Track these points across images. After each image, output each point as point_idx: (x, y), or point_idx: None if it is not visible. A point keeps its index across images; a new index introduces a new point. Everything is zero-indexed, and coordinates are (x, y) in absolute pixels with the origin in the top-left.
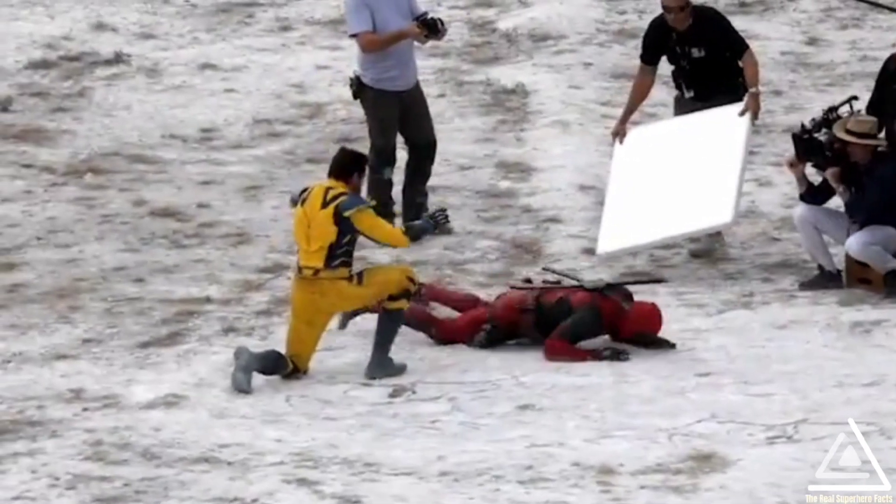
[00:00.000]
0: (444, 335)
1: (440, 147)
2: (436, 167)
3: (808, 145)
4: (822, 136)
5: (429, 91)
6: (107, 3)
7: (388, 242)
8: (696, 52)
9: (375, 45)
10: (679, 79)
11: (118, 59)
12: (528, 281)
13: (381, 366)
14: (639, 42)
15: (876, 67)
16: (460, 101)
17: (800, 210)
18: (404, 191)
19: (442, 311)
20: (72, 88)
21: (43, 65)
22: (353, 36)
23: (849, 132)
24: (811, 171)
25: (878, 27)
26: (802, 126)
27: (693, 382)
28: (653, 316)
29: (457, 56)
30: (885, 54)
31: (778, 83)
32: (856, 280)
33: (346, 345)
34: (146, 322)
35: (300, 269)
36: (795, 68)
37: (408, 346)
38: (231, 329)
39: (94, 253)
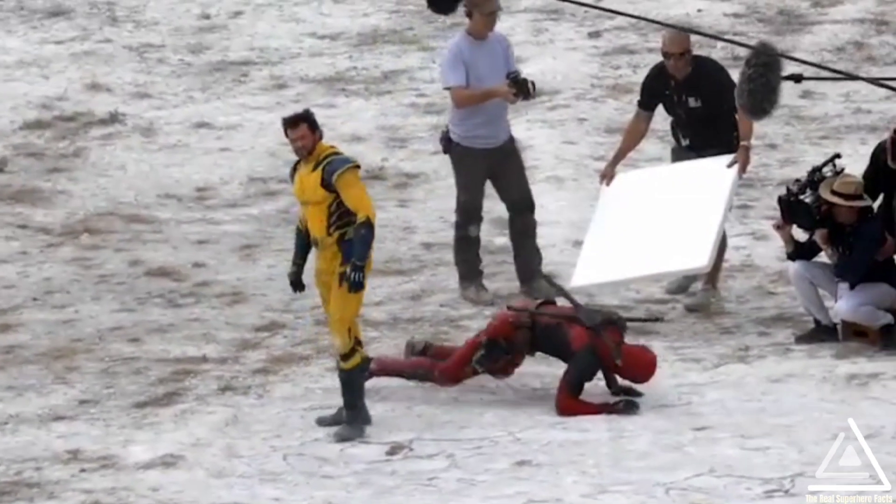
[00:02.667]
0: (447, 375)
1: (434, 204)
2: (429, 224)
3: (794, 208)
4: (807, 198)
5: (423, 148)
6: (101, 63)
7: (356, 207)
8: (692, 102)
9: (467, 100)
10: (675, 128)
11: (113, 118)
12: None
13: (349, 424)
14: (633, 97)
15: (869, 120)
16: None
17: (794, 265)
18: (516, 257)
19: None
20: (67, 149)
21: (38, 125)
22: (447, 89)
23: (835, 193)
24: (797, 231)
25: None
26: (788, 189)
27: (690, 437)
28: (646, 363)
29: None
30: (878, 107)
31: (772, 136)
32: (851, 333)
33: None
34: (143, 382)
35: (313, 242)
36: (790, 121)
37: (406, 401)
38: (228, 388)
39: (91, 313)
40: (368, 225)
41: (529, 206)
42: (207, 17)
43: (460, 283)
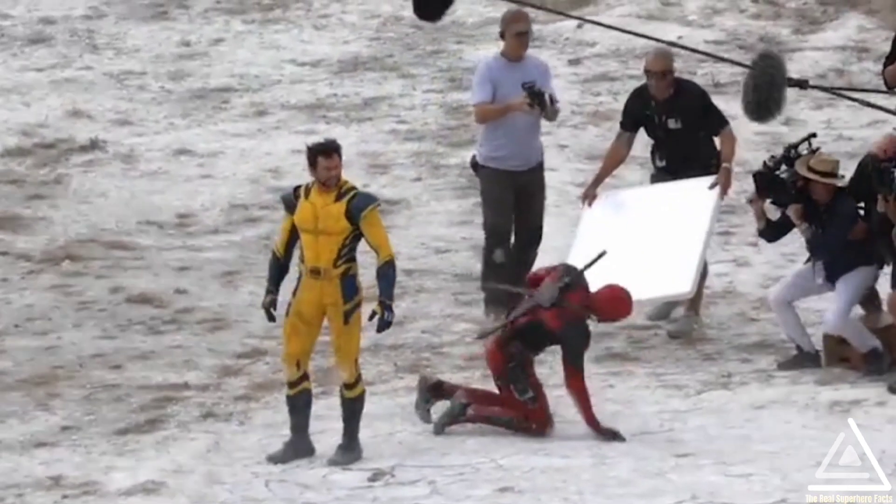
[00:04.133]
0: (541, 422)
1: (416, 231)
2: (411, 250)
3: (770, 183)
4: (783, 174)
5: (405, 174)
6: (82, 91)
7: (379, 246)
8: (672, 123)
9: (483, 115)
10: (654, 151)
11: (94, 145)
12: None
13: (349, 450)
14: (614, 124)
15: (850, 147)
16: (436, 184)
17: (774, 292)
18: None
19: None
20: (48, 175)
21: (19, 152)
22: (474, 106)
23: (811, 170)
24: (770, 208)
25: (853, 106)
26: (764, 164)
27: (672, 463)
28: (617, 298)
29: (432, 139)
30: (860, 133)
31: (753, 163)
32: (835, 359)
33: (325, 429)
34: (124, 409)
35: (309, 272)
36: (770, 148)
37: (388, 427)
38: (209, 415)
39: (72, 340)
40: (393, 265)
41: (537, 239)
42: (188, 44)
43: (484, 308)
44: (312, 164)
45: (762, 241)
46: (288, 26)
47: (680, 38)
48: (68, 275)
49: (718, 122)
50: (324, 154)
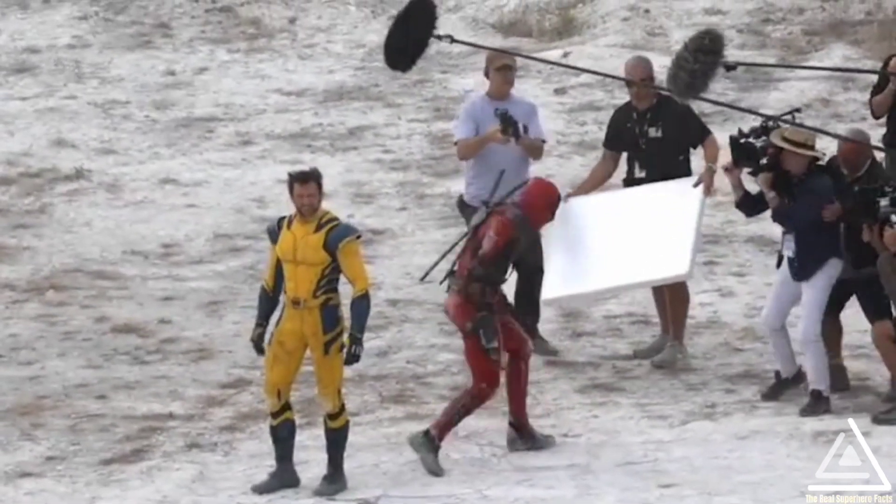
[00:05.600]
0: (486, 382)
1: (401, 260)
2: (396, 280)
3: (743, 149)
4: (759, 143)
5: (390, 204)
6: (67, 120)
7: (355, 278)
8: (653, 132)
9: (464, 150)
10: (633, 160)
11: (79, 174)
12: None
13: (334, 481)
14: (599, 153)
15: None
16: (421, 214)
17: (763, 315)
18: (516, 313)
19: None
20: (32, 205)
21: (3, 181)
22: (455, 144)
23: (785, 140)
24: (749, 179)
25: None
26: (739, 130)
27: (656, 494)
28: (542, 184)
29: (417, 169)
30: None
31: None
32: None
33: (309, 459)
34: (109, 439)
35: (290, 302)
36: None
37: (373, 457)
38: (194, 445)
39: (57, 370)
40: (367, 298)
41: (540, 269)
42: (173, 73)
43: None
44: (291, 191)
45: (747, 271)
46: (273, 55)
47: (664, 67)
48: (53, 304)
49: (701, 131)
50: (299, 181)
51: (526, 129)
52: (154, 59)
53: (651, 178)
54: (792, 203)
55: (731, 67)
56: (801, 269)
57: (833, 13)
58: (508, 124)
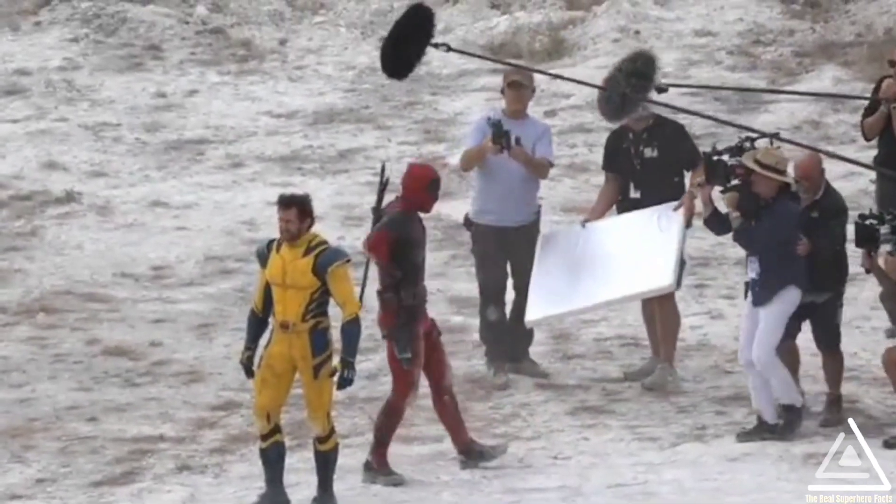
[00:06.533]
0: (399, 393)
1: None
2: None
3: (716, 166)
4: (731, 162)
5: None
6: (57, 142)
7: (344, 303)
8: (648, 152)
9: (463, 161)
10: (628, 181)
11: (69, 197)
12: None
13: (324, 503)
14: (590, 176)
15: None
16: None
17: (749, 363)
18: (509, 336)
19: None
20: (23, 227)
21: None
22: None
23: (756, 162)
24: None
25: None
26: (714, 147)
27: None
28: (417, 167)
29: None
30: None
31: None
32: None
33: (300, 481)
34: (100, 461)
35: (279, 325)
36: None
37: (363, 480)
38: (185, 467)
39: (47, 392)
40: (358, 322)
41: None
42: (163, 95)
43: (486, 362)
44: (278, 211)
45: (736, 294)
46: (263, 78)
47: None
48: (43, 327)
49: (696, 155)
50: (281, 206)
51: (518, 140)
52: (145, 81)
53: (646, 199)
54: (753, 224)
55: (662, 90)
56: (762, 291)
57: (823, 35)
58: (499, 135)
